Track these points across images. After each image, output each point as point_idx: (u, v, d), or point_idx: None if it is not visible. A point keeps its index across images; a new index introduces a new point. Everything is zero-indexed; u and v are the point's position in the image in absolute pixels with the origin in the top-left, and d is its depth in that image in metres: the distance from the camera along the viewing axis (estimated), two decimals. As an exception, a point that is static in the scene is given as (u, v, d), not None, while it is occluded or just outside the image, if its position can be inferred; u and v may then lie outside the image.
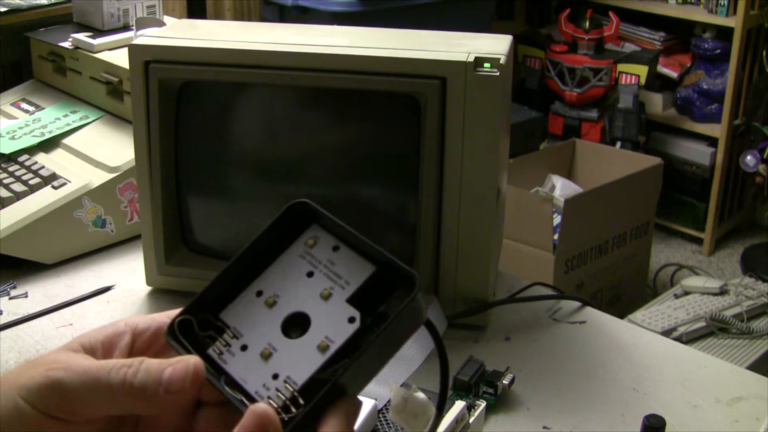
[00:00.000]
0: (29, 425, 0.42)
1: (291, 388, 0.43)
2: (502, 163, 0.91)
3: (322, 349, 0.44)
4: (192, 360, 0.43)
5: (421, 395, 0.65)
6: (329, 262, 0.46)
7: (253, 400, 0.43)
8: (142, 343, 0.47)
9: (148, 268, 0.98)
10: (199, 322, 0.46)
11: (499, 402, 0.80)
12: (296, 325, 0.45)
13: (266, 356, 0.44)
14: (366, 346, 0.43)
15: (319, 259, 0.47)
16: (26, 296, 0.99)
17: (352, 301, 0.45)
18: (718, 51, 3.01)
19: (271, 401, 0.43)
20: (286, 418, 0.42)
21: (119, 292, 1.00)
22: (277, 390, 0.43)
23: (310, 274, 0.46)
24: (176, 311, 0.46)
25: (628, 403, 0.82)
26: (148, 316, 0.48)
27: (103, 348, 0.46)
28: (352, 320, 0.44)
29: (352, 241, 0.46)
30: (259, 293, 0.46)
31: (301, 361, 0.44)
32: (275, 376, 0.44)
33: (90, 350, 0.46)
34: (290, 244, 0.47)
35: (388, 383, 0.78)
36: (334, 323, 0.44)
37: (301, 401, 0.43)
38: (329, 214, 0.47)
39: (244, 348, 0.45)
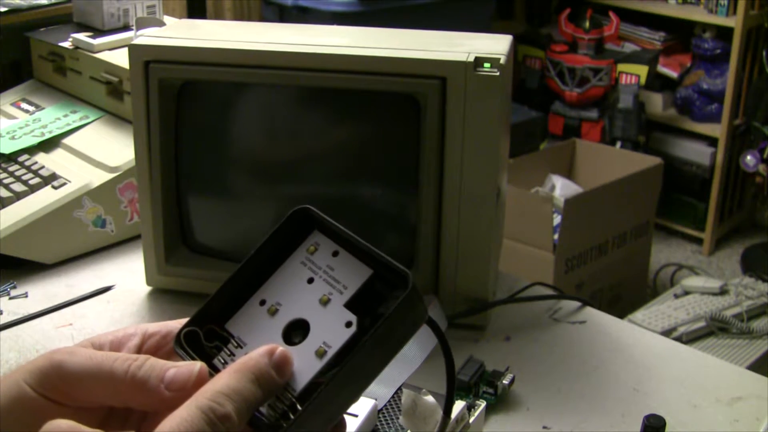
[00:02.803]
0: (28, 408, 0.43)
1: (290, 395, 0.44)
2: (502, 163, 0.91)
3: (320, 354, 0.44)
4: (198, 364, 0.44)
5: (429, 399, 0.65)
6: (328, 268, 0.47)
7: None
8: (150, 346, 0.48)
9: (148, 268, 0.98)
10: (205, 334, 0.47)
11: (499, 402, 0.80)
12: (298, 331, 0.46)
13: None
14: (358, 348, 0.43)
15: (319, 265, 0.47)
16: (26, 296, 0.99)
17: (350, 305, 0.45)
18: (718, 51, 3.01)
19: (271, 409, 0.44)
20: (285, 425, 0.43)
21: (119, 292, 1.00)
22: (277, 398, 0.44)
23: (310, 281, 0.47)
24: (186, 320, 0.47)
25: (628, 403, 0.82)
26: (161, 322, 0.49)
27: (111, 345, 0.47)
28: (348, 325, 0.45)
29: (351, 246, 0.47)
30: (263, 302, 0.47)
31: (300, 367, 0.44)
32: None
33: (98, 347, 0.47)
34: (293, 251, 0.48)
35: (387, 383, 0.79)
36: (332, 328, 0.45)
37: (299, 407, 0.43)
38: (330, 220, 0.47)
39: None
